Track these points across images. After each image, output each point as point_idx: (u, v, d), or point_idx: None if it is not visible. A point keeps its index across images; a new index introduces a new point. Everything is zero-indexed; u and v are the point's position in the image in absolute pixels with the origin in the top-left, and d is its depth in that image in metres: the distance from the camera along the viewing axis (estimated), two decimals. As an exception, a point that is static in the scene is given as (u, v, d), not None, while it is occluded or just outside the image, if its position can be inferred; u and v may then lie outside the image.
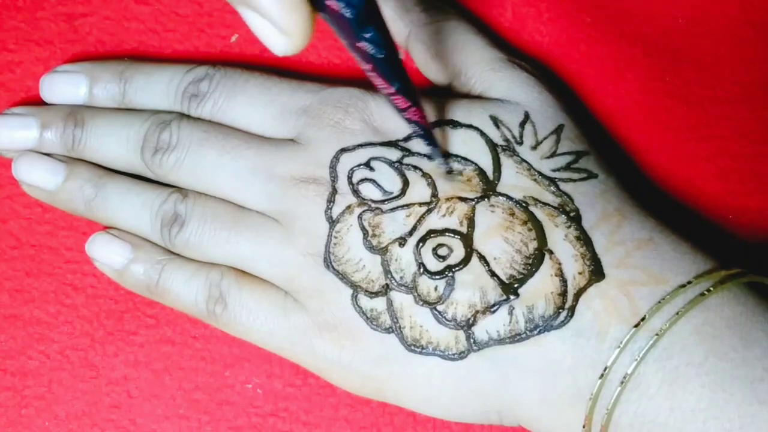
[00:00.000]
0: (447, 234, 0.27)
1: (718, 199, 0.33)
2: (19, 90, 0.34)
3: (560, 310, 0.26)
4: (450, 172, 0.28)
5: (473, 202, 0.28)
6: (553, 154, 0.29)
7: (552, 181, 0.28)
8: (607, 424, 0.25)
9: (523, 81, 0.30)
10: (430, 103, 0.30)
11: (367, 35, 0.21)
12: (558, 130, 0.29)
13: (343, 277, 0.28)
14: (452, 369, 0.27)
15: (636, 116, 0.33)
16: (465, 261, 0.27)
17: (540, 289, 0.26)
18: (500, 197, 0.28)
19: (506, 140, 0.29)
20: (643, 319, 0.25)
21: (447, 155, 0.29)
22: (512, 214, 0.27)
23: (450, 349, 0.27)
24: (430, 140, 0.27)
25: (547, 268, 0.27)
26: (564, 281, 0.26)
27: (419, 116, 0.26)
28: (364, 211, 0.28)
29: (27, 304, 0.32)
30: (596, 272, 0.26)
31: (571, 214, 0.27)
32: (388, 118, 0.30)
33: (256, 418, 0.32)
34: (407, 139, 0.29)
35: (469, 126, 0.29)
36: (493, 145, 0.29)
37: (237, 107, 0.31)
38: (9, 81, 0.34)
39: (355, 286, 0.28)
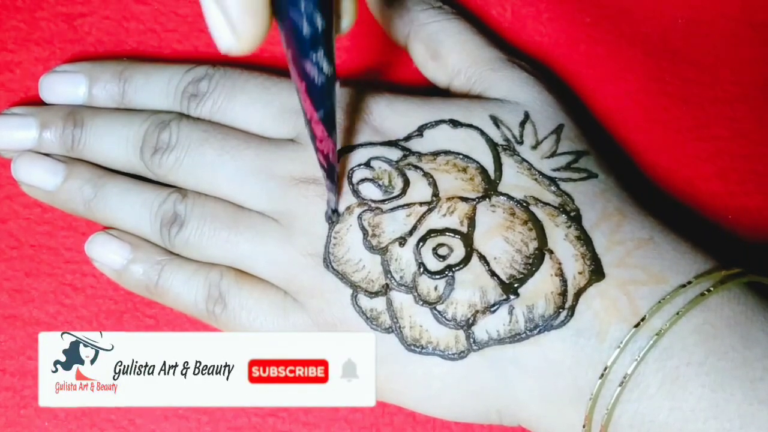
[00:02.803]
0: (447, 234, 0.27)
1: (718, 199, 0.33)
2: (18, 90, 0.34)
3: (560, 310, 0.26)
4: (335, 211, 0.28)
5: (474, 202, 0.28)
6: (553, 154, 0.29)
7: (552, 180, 0.28)
8: (607, 423, 0.25)
9: (522, 81, 0.30)
10: (427, 104, 0.30)
11: (315, 57, 0.21)
12: (558, 130, 0.29)
13: (342, 277, 0.28)
14: (452, 369, 0.27)
15: (636, 116, 0.33)
16: (465, 261, 0.27)
17: (540, 289, 0.26)
18: (501, 197, 0.28)
19: (506, 140, 0.29)
20: (643, 318, 0.25)
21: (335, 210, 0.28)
22: (513, 214, 0.27)
23: (450, 348, 0.27)
24: (332, 178, 0.27)
25: (547, 267, 0.27)
26: (564, 281, 0.26)
27: (330, 150, 0.26)
28: (364, 211, 0.28)
29: (26, 304, 0.32)
30: (596, 272, 0.26)
31: (572, 214, 0.27)
32: (387, 118, 0.30)
33: (255, 419, 0.32)
34: (407, 138, 0.29)
35: (470, 125, 0.29)
36: (493, 145, 0.29)
37: (236, 107, 0.31)
38: (8, 81, 0.34)
39: (354, 286, 0.28)
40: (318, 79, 0.21)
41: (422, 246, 0.27)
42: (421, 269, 0.27)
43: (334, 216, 0.28)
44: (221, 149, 0.30)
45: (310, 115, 0.24)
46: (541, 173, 0.28)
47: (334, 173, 0.27)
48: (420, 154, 0.29)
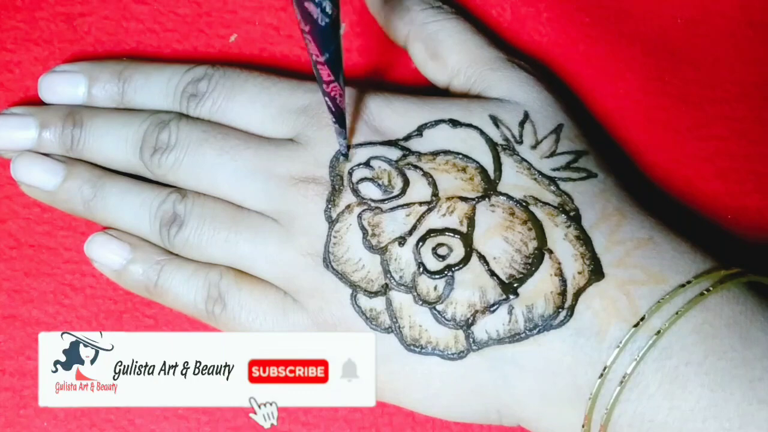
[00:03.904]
0: (447, 233, 0.27)
1: (717, 199, 0.33)
2: (17, 90, 0.34)
3: (560, 310, 0.26)
4: (345, 155, 0.29)
5: (474, 202, 0.28)
6: (552, 154, 0.29)
7: (552, 180, 0.28)
8: (606, 423, 0.25)
9: (522, 80, 0.30)
10: (426, 103, 0.30)
11: None
12: (557, 130, 0.29)
13: (342, 276, 0.28)
14: (451, 369, 0.27)
15: (635, 116, 0.33)
16: (465, 260, 0.27)
17: (539, 289, 0.26)
18: (501, 197, 0.28)
19: (506, 139, 0.29)
20: (642, 318, 0.25)
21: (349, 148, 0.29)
22: (512, 214, 0.27)
23: (449, 348, 0.27)
24: (340, 122, 0.27)
25: (546, 267, 0.27)
26: (563, 281, 0.26)
27: (338, 94, 0.26)
28: (363, 211, 0.28)
29: (26, 304, 0.32)
30: (596, 272, 0.26)
31: (571, 214, 0.27)
32: (387, 118, 0.30)
33: (255, 419, 0.32)
34: (407, 138, 0.29)
35: (469, 125, 0.29)
36: (493, 145, 0.29)
37: (236, 107, 0.31)
38: (8, 81, 0.34)
39: (354, 286, 0.28)
40: (322, 20, 0.22)
41: (422, 246, 0.27)
42: (421, 269, 0.27)
43: (343, 158, 0.29)
44: (221, 149, 0.30)
45: (316, 58, 0.24)
46: (540, 173, 0.28)
47: (343, 117, 0.27)
48: (419, 154, 0.29)
